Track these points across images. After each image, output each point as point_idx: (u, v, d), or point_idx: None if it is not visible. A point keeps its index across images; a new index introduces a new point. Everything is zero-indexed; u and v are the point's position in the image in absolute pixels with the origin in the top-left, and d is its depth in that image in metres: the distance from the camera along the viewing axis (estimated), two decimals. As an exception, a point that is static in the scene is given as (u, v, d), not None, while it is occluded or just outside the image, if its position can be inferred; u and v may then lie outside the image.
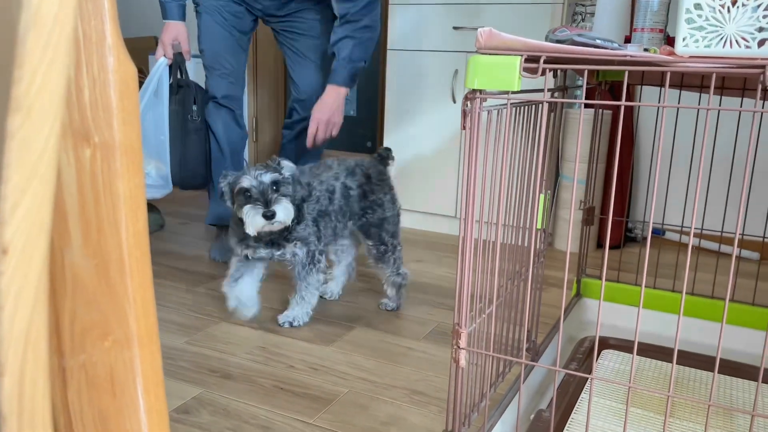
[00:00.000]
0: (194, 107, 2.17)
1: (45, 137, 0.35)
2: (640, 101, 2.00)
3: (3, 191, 0.33)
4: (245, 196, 1.52)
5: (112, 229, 0.45)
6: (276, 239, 1.62)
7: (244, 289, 1.66)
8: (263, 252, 1.63)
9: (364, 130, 3.28)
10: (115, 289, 0.46)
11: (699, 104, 1.47)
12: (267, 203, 1.50)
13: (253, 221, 1.51)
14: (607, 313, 1.73)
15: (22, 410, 0.35)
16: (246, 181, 1.52)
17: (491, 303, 1.04)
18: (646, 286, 1.69)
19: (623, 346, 1.55)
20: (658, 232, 2.61)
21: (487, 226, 1.01)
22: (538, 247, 1.38)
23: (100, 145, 0.43)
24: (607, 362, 1.50)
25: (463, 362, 0.93)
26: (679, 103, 1.86)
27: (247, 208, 1.51)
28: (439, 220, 2.76)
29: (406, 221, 2.79)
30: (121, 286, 0.46)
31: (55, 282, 0.44)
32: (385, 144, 2.78)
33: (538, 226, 1.38)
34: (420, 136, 2.71)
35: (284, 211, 1.52)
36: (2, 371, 0.34)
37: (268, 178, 1.52)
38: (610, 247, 2.39)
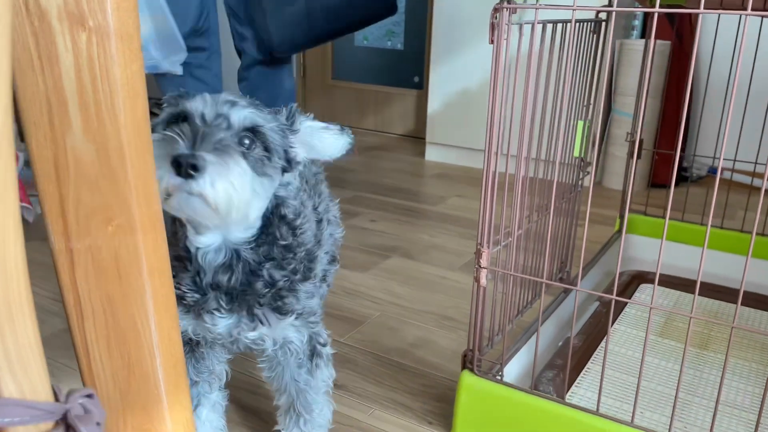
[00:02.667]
0: None
1: None
2: (699, 34, 1.89)
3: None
4: (173, 127, 0.69)
5: (110, 115, 0.46)
6: (243, 287, 0.77)
7: None
8: (221, 323, 0.79)
9: (411, 65, 3.22)
10: (116, 175, 0.47)
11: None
12: (194, 141, 0.66)
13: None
14: (652, 249, 1.69)
15: None
16: (194, 104, 0.71)
17: (518, 229, 1.02)
18: (694, 224, 1.64)
19: (661, 280, 1.52)
20: (714, 171, 2.51)
21: (517, 153, 0.99)
22: (574, 176, 1.34)
23: (95, 29, 0.44)
24: (644, 295, 1.48)
25: (484, 281, 0.93)
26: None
27: (155, 141, 0.65)
28: (482, 156, 2.72)
29: (451, 157, 2.77)
30: (122, 172, 0.47)
31: (59, 166, 0.46)
32: (431, 80, 2.73)
33: (575, 154, 1.34)
34: (466, 70, 2.64)
35: (224, 177, 0.65)
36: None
37: (239, 113, 0.71)
38: (663, 185, 2.31)
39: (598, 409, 0.91)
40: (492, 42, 0.87)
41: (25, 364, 0.37)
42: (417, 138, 3.18)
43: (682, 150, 2.54)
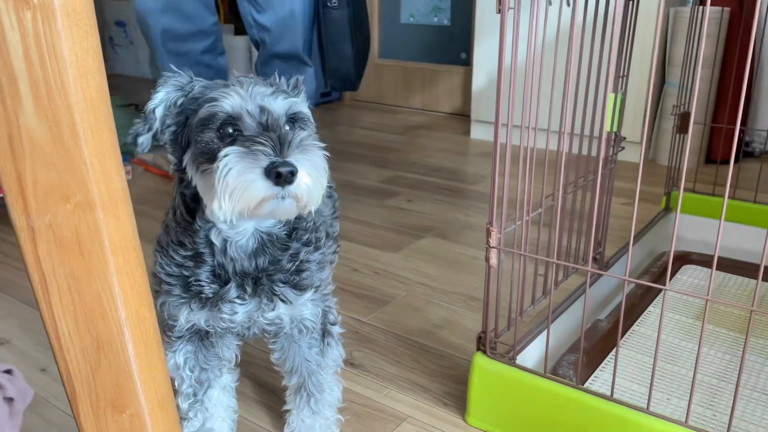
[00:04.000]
0: None
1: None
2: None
3: None
4: (224, 132, 0.69)
5: (60, 93, 0.46)
6: (271, 267, 0.77)
7: (216, 423, 0.92)
8: (241, 311, 0.79)
9: (458, 41, 3.16)
10: (71, 153, 0.47)
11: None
12: (280, 147, 0.65)
13: (240, 190, 0.64)
14: (697, 228, 1.60)
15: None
16: (232, 101, 0.69)
17: (529, 206, 0.99)
18: (746, 201, 1.54)
19: (705, 261, 1.44)
20: (777, 146, 2.35)
21: (521, 124, 0.95)
22: (607, 151, 1.28)
23: (40, 6, 0.44)
24: (686, 277, 1.40)
25: (494, 261, 0.90)
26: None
27: (232, 154, 0.65)
28: (527, 134, 2.64)
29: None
30: (76, 150, 0.47)
31: (14, 144, 0.46)
32: (476, 56, 2.66)
33: (607, 129, 1.28)
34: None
35: (312, 171, 0.67)
36: None
37: (281, 104, 0.71)
38: (721, 161, 2.18)
39: (612, 395, 0.87)
40: (498, 12, 0.83)
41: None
42: (464, 116, 3.12)
43: (743, 124, 2.39)
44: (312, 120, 0.75)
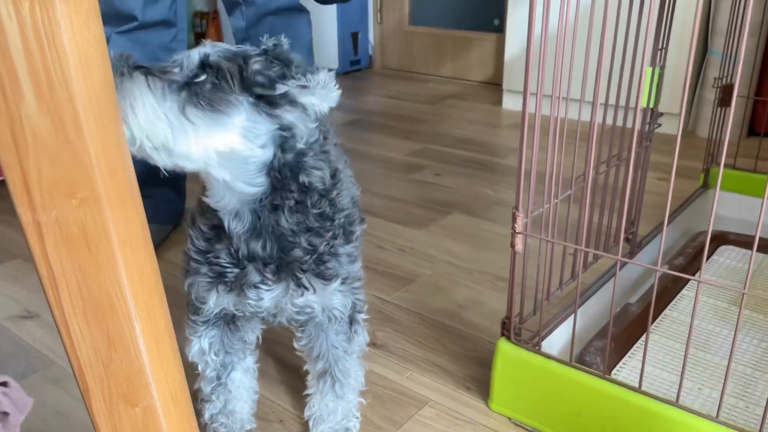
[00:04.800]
0: None
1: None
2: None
3: None
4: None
5: (61, 85, 0.44)
6: (285, 256, 0.76)
7: (237, 405, 0.92)
8: (267, 296, 0.77)
9: (490, 6, 3.06)
10: (75, 147, 0.46)
11: None
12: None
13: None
14: (737, 206, 1.54)
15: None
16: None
17: (567, 185, 0.95)
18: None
19: (744, 242, 1.38)
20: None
21: (576, 102, 0.91)
22: (643, 127, 1.23)
23: (37, -5, 0.42)
24: (723, 259, 1.35)
25: (519, 247, 0.87)
26: None
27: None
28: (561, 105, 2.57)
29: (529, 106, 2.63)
30: (80, 144, 0.46)
31: (17, 138, 0.45)
32: (509, 22, 2.58)
33: (643, 105, 1.22)
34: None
35: (139, 96, 0.62)
36: None
37: (197, 53, 0.67)
38: (765, 134, 2.09)
39: (640, 386, 0.84)
40: (529, -16, 0.79)
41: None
42: (495, 85, 3.04)
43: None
44: (256, 68, 0.65)
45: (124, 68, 0.62)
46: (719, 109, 1.55)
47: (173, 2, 1.39)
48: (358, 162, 2.01)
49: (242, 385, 0.91)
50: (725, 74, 1.54)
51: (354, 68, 3.41)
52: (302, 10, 1.55)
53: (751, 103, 2.20)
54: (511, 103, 2.70)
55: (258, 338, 0.92)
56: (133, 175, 0.51)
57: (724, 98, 1.57)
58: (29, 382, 1.05)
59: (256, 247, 0.74)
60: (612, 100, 1.08)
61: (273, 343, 1.13)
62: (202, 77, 0.64)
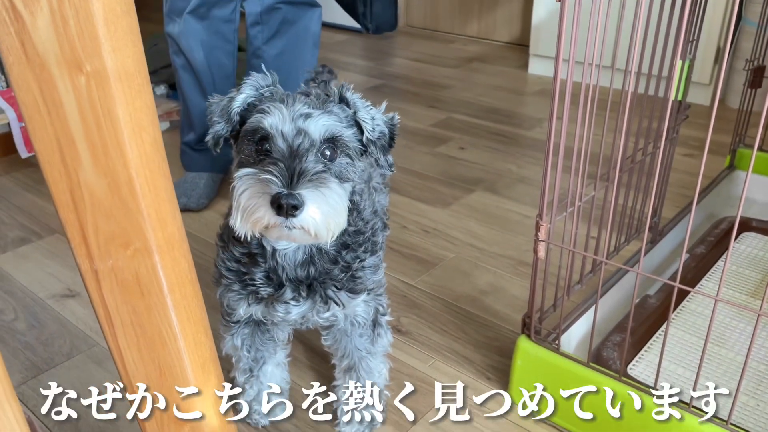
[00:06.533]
0: None
1: None
2: None
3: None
4: (261, 147, 0.72)
5: (116, 151, 0.47)
6: (322, 276, 0.80)
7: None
8: (295, 311, 0.82)
9: (519, -35, 2.98)
10: (128, 205, 0.49)
11: None
12: (291, 177, 0.67)
13: (249, 212, 0.68)
14: (764, 190, 1.54)
15: None
16: (272, 119, 0.70)
17: (582, 189, 0.96)
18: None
19: (765, 228, 1.39)
20: None
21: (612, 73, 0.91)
22: (671, 119, 1.23)
23: (93, 73, 0.44)
24: (744, 246, 1.36)
25: (542, 254, 0.90)
26: None
27: (246, 176, 0.69)
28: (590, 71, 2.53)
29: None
30: (133, 202, 0.49)
31: (75, 198, 0.48)
32: (538, -17, 2.52)
33: (672, 97, 1.22)
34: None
35: (323, 206, 0.68)
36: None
37: (320, 127, 0.71)
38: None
39: (656, 386, 0.88)
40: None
41: None
42: (522, 46, 3.00)
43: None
44: (353, 143, 0.74)
45: (313, 177, 0.68)
46: (749, 90, 1.53)
47: None
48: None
49: (273, 377, 0.97)
50: (757, 56, 1.52)
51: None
52: (314, 4, 1.60)
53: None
54: (537, 67, 2.66)
55: (289, 335, 0.97)
56: (180, 222, 0.54)
57: (755, 80, 1.54)
58: (74, 362, 1.12)
59: (303, 273, 0.80)
60: (645, 69, 1.07)
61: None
62: (337, 157, 0.73)
